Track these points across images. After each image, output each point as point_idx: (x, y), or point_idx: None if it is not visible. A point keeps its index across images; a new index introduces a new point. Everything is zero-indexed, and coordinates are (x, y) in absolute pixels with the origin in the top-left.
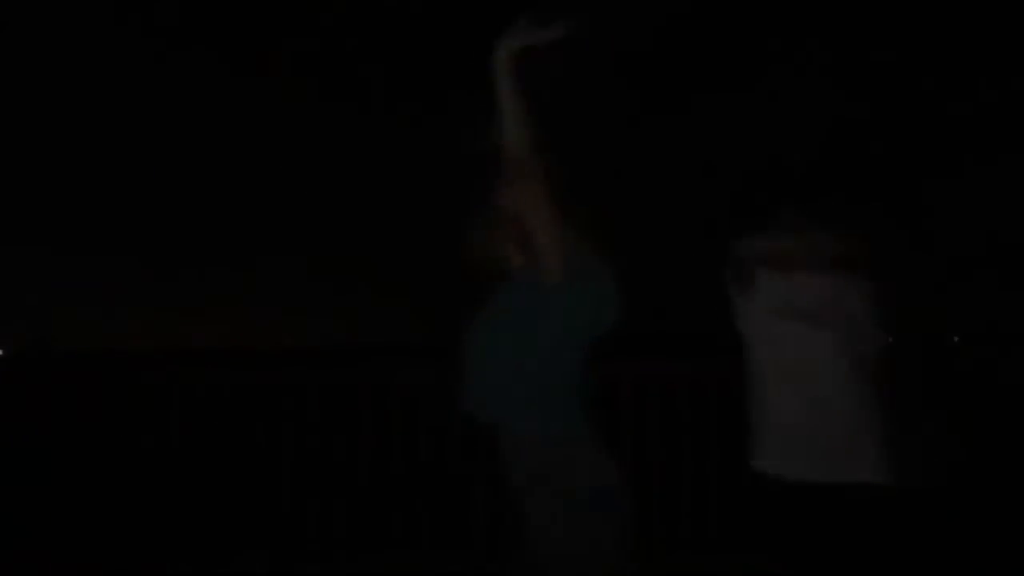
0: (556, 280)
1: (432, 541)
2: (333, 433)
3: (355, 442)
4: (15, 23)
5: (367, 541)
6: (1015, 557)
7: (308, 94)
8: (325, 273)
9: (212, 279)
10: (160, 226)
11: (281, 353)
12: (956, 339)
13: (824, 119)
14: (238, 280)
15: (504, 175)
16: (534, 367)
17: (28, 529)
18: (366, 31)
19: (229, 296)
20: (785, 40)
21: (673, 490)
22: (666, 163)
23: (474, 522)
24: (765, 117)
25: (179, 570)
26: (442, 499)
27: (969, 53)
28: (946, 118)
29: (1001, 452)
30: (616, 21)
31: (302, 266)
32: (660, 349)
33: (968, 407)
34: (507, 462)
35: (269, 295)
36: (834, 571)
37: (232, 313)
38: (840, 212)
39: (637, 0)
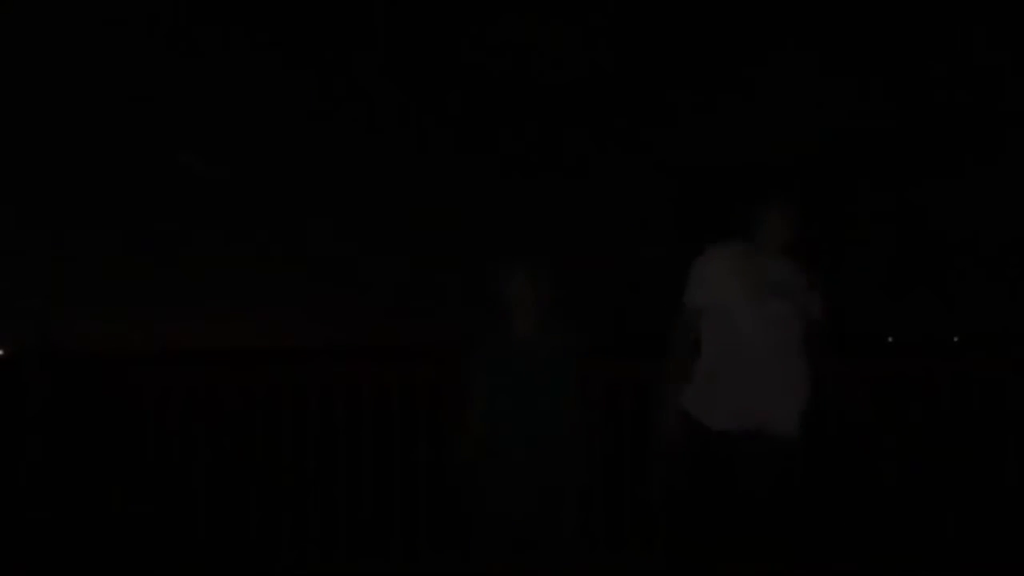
0: None
1: (432, 543)
2: (333, 434)
3: (356, 443)
4: (15, 26)
5: (367, 543)
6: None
7: (305, 92)
8: (325, 274)
9: (212, 280)
10: (160, 226)
11: (281, 353)
12: (956, 339)
13: (818, 120)
14: (238, 281)
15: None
16: None
17: (26, 529)
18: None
19: (229, 296)
20: (771, 38)
21: None
22: (664, 169)
23: (474, 524)
24: (756, 118)
25: (178, 571)
26: (442, 501)
27: (967, 52)
28: (945, 118)
29: (1001, 451)
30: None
31: (303, 266)
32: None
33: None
34: None
35: (269, 295)
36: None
37: (232, 313)
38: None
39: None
